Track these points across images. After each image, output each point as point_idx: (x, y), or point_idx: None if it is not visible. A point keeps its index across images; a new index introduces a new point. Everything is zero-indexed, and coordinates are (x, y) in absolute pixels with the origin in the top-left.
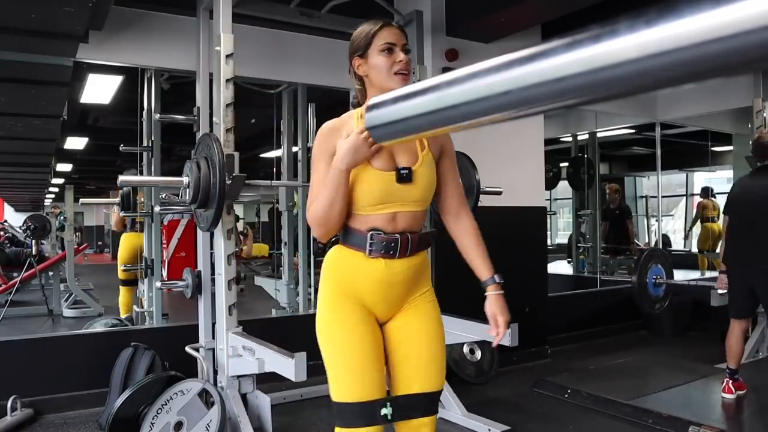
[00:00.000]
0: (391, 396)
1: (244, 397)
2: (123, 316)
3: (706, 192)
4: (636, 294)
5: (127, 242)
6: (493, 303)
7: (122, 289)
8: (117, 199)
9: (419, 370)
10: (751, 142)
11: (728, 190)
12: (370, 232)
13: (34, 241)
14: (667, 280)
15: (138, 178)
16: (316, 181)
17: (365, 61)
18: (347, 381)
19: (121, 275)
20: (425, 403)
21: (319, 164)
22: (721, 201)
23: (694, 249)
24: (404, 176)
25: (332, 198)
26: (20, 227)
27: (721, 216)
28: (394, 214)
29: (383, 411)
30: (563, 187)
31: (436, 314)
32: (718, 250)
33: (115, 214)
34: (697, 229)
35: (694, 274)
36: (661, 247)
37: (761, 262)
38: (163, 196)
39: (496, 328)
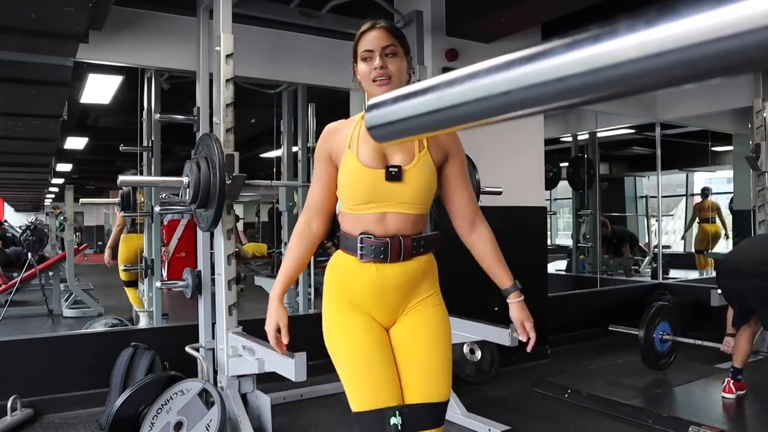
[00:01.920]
0: (401, 405)
1: (244, 397)
2: (138, 309)
3: (704, 192)
4: (642, 349)
5: (128, 243)
6: (519, 310)
7: (128, 291)
8: (117, 199)
9: (421, 379)
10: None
11: (728, 190)
12: (361, 236)
13: (29, 254)
14: (674, 337)
15: (137, 178)
16: (312, 183)
17: (357, 68)
18: (356, 390)
19: (123, 276)
20: (430, 414)
21: (317, 164)
22: (718, 199)
23: (694, 249)
24: (393, 174)
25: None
26: (21, 227)
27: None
28: (383, 215)
29: (393, 420)
30: (563, 187)
31: (440, 319)
32: (716, 249)
33: (120, 217)
34: (694, 229)
35: (693, 274)
36: (660, 253)
37: (756, 279)
38: (163, 196)
39: (525, 334)
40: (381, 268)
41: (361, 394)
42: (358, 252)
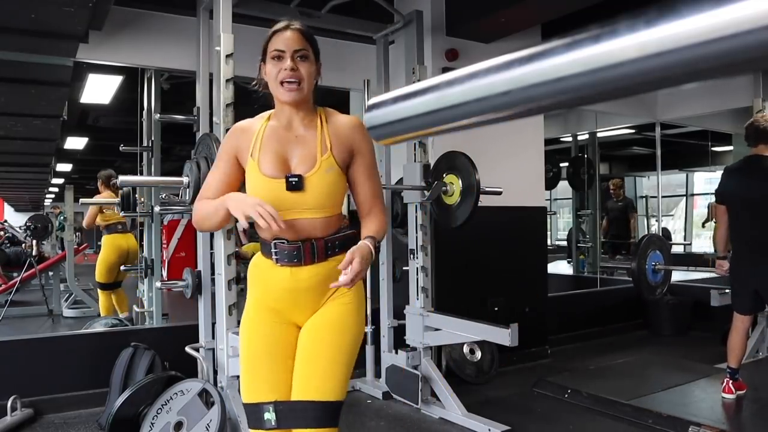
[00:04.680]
0: (276, 401)
1: None
2: (102, 315)
3: None
4: (635, 280)
5: (110, 243)
6: (358, 246)
7: (102, 294)
8: (117, 200)
9: (302, 377)
10: (744, 127)
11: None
12: (274, 241)
13: (35, 242)
14: (666, 266)
15: (138, 178)
16: (210, 175)
17: (265, 67)
18: (243, 383)
19: (99, 278)
20: (307, 412)
21: (219, 161)
22: None
23: (695, 249)
24: (294, 184)
25: (209, 216)
26: (21, 227)
27: (717, 208)
28: (292, 222)
29: (266, 415)
30: (563, 187)
31: (343, 317)
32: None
33: (93, 208)
34: (703, 230)
35: (694, 275)
36: None
37: (764, 265)
38: (163, 196)
39: (348, 264)
40: (295, 271)
41: (246, 387)
42: (273, 257)
